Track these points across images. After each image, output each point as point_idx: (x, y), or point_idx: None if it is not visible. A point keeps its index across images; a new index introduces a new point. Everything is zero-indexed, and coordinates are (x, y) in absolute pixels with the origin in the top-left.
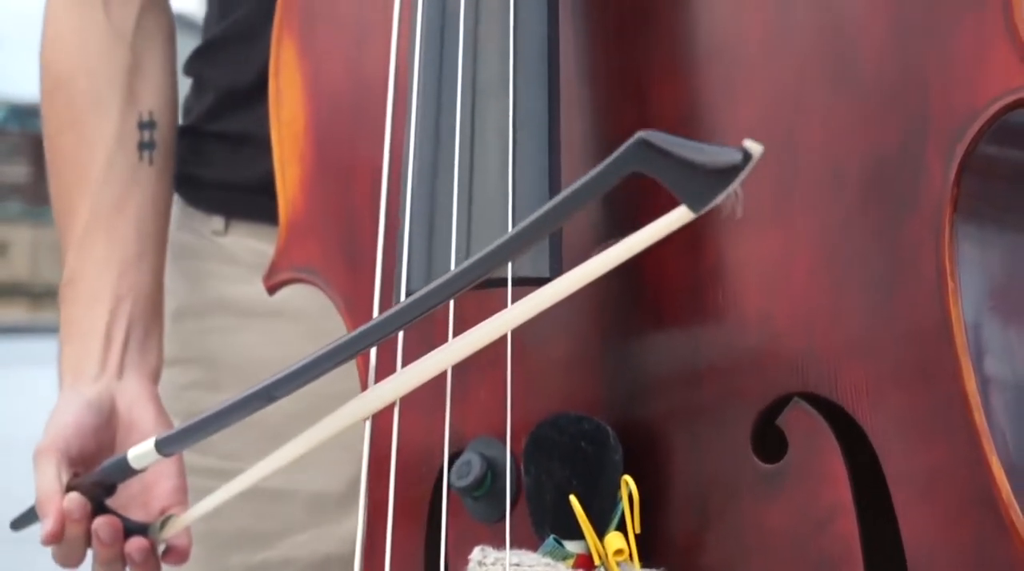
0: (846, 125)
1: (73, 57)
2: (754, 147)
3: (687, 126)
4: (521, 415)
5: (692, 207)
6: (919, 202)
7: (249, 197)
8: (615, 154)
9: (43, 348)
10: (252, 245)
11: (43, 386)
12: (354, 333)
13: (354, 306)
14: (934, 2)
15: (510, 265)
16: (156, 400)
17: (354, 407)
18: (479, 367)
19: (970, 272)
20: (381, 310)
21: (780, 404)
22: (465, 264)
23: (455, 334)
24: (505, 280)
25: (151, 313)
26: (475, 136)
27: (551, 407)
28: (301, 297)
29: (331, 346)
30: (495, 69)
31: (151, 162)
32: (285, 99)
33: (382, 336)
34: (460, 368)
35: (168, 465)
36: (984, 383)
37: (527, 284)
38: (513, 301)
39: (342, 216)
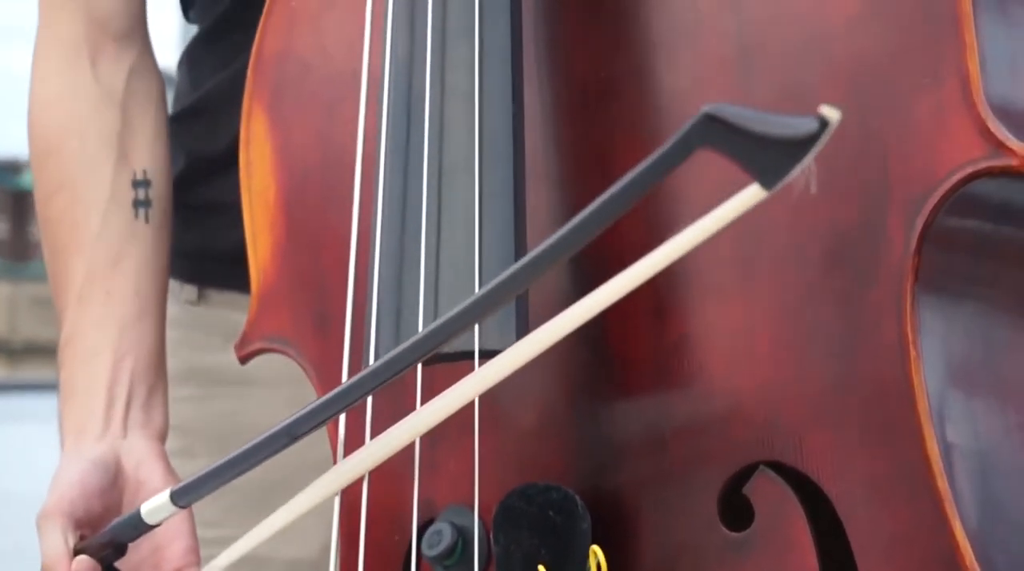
0: (808, 195)
1: (63, 120)
2: (831, 113)
3: (650, 196)
4: (491, 484)
5: (765, 184)
6: (880, 272)
7: (221, 267)
8: (680, 132)
9: (22, 405)
10: (225, 314)
11: (22, 443)
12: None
13: (324, 375)
14: (892, 73)
15: (476, 337)
16: (164, 458)
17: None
18: (449, 437)
19: (932, 341)
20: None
21: (746, 473)
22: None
23: (423, 402)
24: (472, 353)
25: (154, 372)
26: (442, 210)
27: (521, 476)
28: (274, 365)
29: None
30: (461, 145)
31: (147, 220)
32: (256, 170)
33: (350, 402)
34: (431, 438)
35: (179, 524)
36: (948, 450)
37: (493, 356)
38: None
39: (313, 286)
